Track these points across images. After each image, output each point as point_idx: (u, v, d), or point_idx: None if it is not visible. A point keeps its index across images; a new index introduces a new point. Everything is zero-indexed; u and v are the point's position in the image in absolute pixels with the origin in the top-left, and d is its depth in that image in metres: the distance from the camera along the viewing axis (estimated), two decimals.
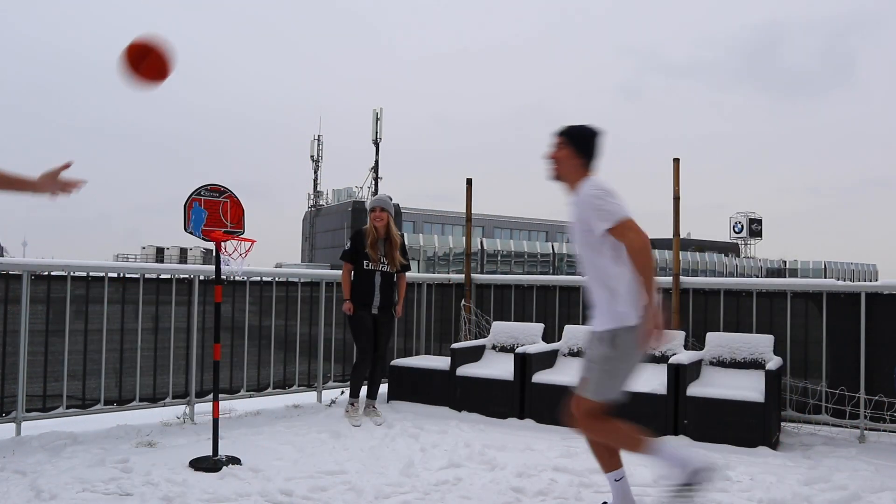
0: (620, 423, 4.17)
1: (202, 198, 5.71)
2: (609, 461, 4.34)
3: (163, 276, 7.12)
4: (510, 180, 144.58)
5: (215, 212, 5.77)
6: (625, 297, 4.06)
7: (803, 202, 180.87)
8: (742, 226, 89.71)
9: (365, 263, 7.41)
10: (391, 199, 7.69)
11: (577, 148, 4.28)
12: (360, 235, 7.51)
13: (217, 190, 5.82)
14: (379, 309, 7.47)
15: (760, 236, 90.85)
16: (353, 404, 7.36)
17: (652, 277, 3.93)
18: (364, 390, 7.57)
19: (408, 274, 7.78)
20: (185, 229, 5.66)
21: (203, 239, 5.77)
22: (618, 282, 4.08)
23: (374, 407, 7.46)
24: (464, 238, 9.66)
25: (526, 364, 7.37)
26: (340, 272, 7.65)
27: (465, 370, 7.76)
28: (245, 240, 5.98)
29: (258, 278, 7.81)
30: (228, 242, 5.87)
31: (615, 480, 4.35)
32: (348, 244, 7.53)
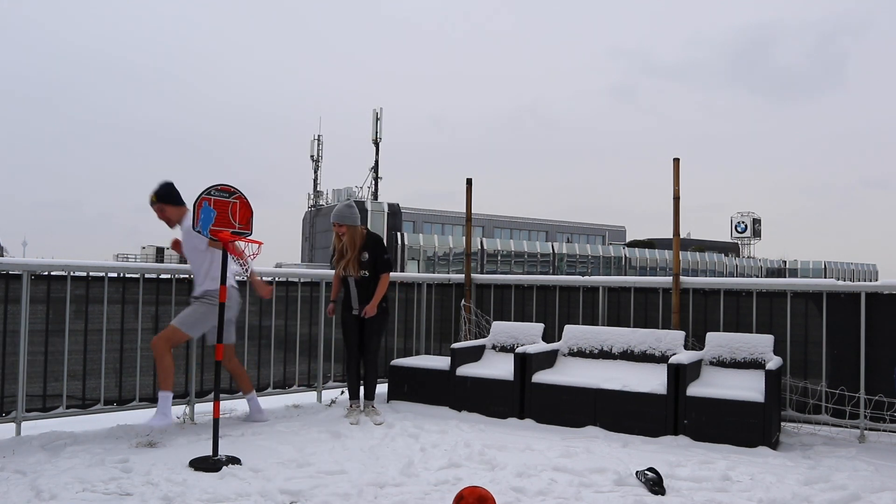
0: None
1: (212, 197, 5.70)
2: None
3: (163, 276, 7.12)
4: (510, 180, 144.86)
5: (224, 212, 5.77)
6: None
7: (799, 202, 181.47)
8: (746, 225, 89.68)
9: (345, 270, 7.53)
10: (352, 207, 7.64)
11: (171, 201, 6.68)
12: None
13: (227, 190, 5.80)
14: (360, 311, 7.51)
15: (759, 236, 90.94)
16: (351, 405, 7.48)
17: None
18: (361, 391, 7.59)
19: (407, 274, 7.82)
20: (194, 228, 5.66)
21: (211, 239, 5.77)
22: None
23: (372, 406, 7.48)
24: (464, 238, 9.64)
25: (526, 364, 7.37)
26: None
27: (465, 370, 7.76)
28: (252, 241, 5.99)
29: (258, 278, 7.78)
30: (239, 243, 5.90)
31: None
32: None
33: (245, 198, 5.92)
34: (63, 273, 6.45)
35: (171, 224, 6.71)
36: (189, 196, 5.71)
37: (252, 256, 6.14)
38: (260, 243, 6.01)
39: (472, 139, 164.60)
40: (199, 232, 5.67)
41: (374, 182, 72.81)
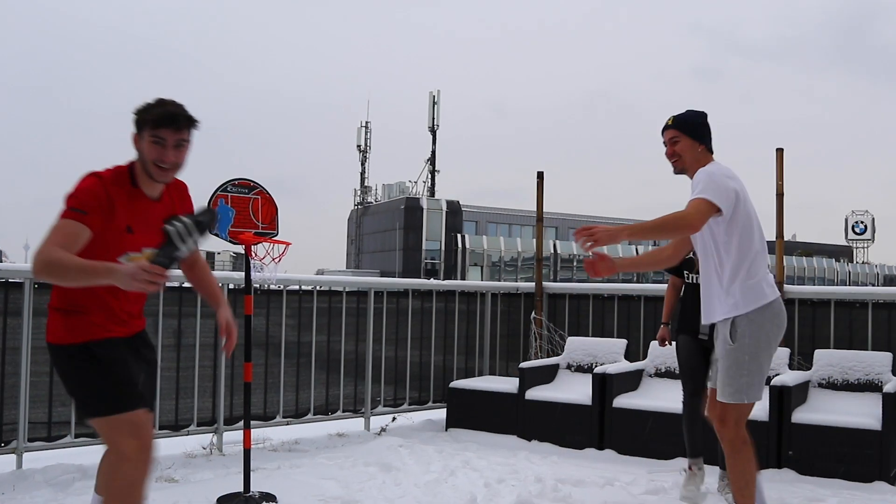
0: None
1: (229, 194, 5.65)
2: None
3: (185, 285, 7.05)
4: (587, 174, 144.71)
5: (244, 210, 5.74)
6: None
7: None
8: (865, 226, 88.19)
9: (688, 276, 6.12)
10: None
11: (694, 135, 4.67)
12: None
13: (246, 185, 5.76)
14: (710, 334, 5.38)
15: (874, 238, 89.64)
16: (690, 467, 5.85)
17: None
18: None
19: (469, 282, 7.70)
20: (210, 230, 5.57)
21: (230, 241, 5.69)
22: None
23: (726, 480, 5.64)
24: (534, 240, 9.61)
25: (606, 386, 7.28)
26: (391, 280, 7.53)
27: (536, 393, 7.68)
28: (279, 242, 5.91)
29: (296, 287, 7.78)
30: (259, 245, 5.81)
31: None
32: None
33: (267, 192, 5.89)
34: None
35: (679, 165, 4.71)
36: (206, 192, 5.56)
37: (276, 260, 6.02)
38: (287, 244, 5.93)
39: (541, 128, 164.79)
40: (216, 234, 5.57)
41: (430, 176, 73.21)
